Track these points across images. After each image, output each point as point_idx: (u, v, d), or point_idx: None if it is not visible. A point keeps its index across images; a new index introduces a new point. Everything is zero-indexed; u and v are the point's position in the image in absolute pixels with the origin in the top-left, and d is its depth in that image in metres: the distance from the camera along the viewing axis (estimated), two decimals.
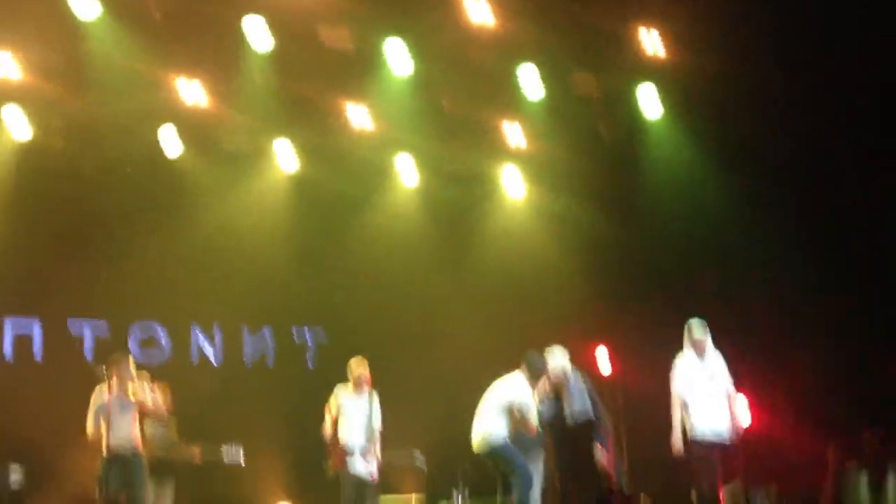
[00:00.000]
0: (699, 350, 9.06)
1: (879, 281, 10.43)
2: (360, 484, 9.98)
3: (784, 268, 11.11)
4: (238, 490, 10.34)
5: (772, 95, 11.09)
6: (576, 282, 12.57)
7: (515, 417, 9.55)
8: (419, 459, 10.49)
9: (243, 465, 10.25)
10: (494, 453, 9.62)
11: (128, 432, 9.42)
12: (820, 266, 10.77)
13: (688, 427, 8.93)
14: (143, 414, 9.55)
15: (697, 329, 9.08)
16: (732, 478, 8.69)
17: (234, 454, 9.98)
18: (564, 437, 9.81)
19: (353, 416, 10.10)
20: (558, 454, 9.85)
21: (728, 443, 8.92)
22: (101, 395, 9.44)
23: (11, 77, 10.71)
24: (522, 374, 9.79)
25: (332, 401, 10.15)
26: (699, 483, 8.71)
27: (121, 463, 9.33)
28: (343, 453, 10.01)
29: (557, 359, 9.85)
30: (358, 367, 10.12)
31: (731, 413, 9.01)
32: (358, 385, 10.08)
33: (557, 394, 9.82)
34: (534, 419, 9.61)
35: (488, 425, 9.68)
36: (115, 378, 9.43)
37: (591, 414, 9.73)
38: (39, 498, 9.68)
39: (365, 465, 10.08)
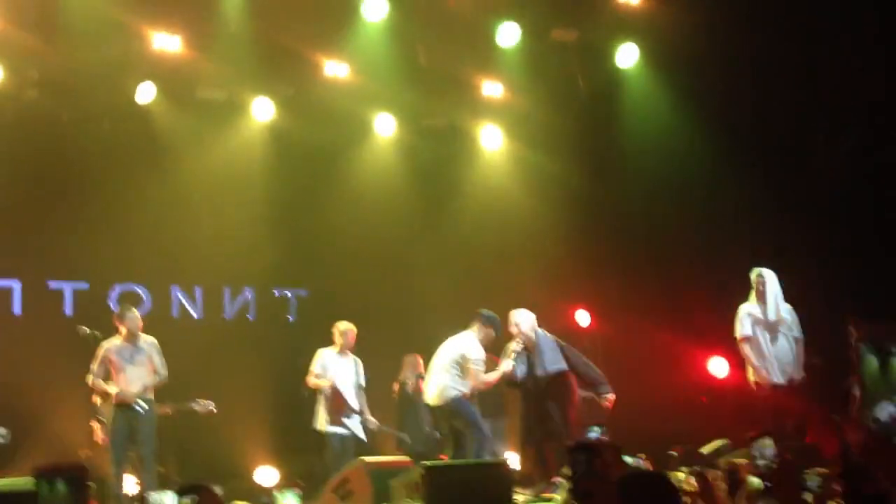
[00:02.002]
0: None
1: (857, 234, 10.55)
2: (346, 442, 10.17)
3: (763, 220, 11.22)
4: (219, 453, 10.39)
5: (750, 50, 11.15)
6: (553, 235, 12.61)
7: (471, 373, 9.73)
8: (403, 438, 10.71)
9: (214, 411, 10.32)
10: (449, 407, 9.78)
11: (138, 383, 9.47)
12: (803, 221, 10.88)
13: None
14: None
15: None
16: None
17: (205, 406, 10.10)
18: (536, 395, 9.94)
19: (342, 378, 10.31)
20: (527, 411, 10.01)
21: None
22: (109, 343, 9.52)
23: None
24: (473, 333, 9.95)
25: (316, 362, 10.32)
26: None
27: (128, 414, 9.41)
28: (343, 410, 10.21)
29: (522, 316, 9.95)
30: (345, 330, 10.35)
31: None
32: (344, 348, 10.33)
33: (528, 351, 9.93)
34: (481, 375, 9.78)
35: (443, 379, 9.83)
36: (124, 328, 9.54)
37: (563, 367, 9.85)
38: (26, 453, 9.65)
39: (358, 425, 10.29)
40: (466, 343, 9.92)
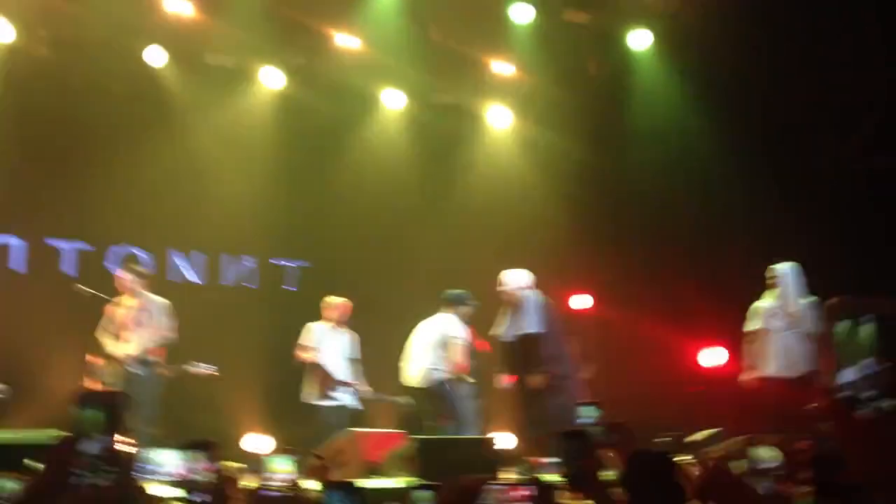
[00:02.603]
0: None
1: (862, 231, 10.52)
2: (339, 413, 10.20)
3: (767, 207, 11.18)
4: (210, 418, 10.41)
5: (763, 39, 11.11)
6: (558, 217, 12.58)
7: (454, 350, 9.62)
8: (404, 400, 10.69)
9: (217, 374, 10.37)
10: (433, 390, 9.66)
11: (136, 344, 9.49)
12: (802, 207, 10.85)
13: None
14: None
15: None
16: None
17: (208, 368, 10.17)
18: (516, 358, 9.54)
19: (332, 351, 10.34)
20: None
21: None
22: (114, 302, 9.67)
23: None
24: (450, 313, 9.84)
25: (305, 335, 10.33)
26: None
27: (125, 376, 9.45)
28: (329, 383, 10.23)
29: (513, 276, 9.70)
30: (336, 304, 10.37)
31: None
32: (339, 322, 10.36)
33: (514, 311, 9.59)
34: (461, 355, 9.65)
35: (427, 360, 9.71)
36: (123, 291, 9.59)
37: (536, 330, 9.39)
38: (23, 409, 9.70)
39: (350, 397, 10.32)
40: (447, 322, 9.84)
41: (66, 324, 10.00)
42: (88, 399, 3.49)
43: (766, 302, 9.66)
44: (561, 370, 9.41)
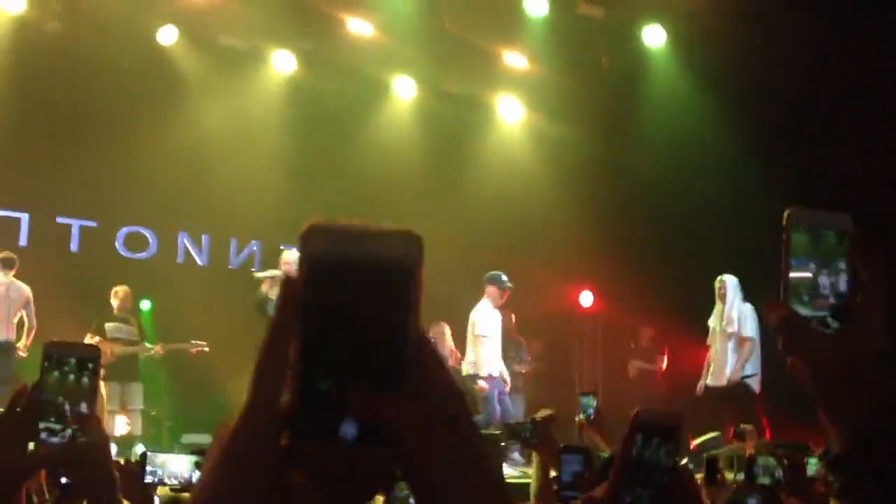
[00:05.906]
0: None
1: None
2: None
3: (780, 203, 11.05)
4: (212, 400, 10.40)
5: (775, 35, 11.02)
6: (565, 212, 12.53)
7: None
8: None
9: (206, 350, 10.41)
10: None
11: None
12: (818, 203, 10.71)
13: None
14: None
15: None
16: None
17: (196, 345, 10.22)
18: None
19: None
20: None
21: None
22: None
23: None
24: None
25: None
26: None
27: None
28: None
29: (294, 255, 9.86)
30: None
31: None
32: None
33: None
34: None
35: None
36: None
37: None
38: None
39: None
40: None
41: (71, 298, 9.97)
42: (63, 351, 2.97)
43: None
44: None
